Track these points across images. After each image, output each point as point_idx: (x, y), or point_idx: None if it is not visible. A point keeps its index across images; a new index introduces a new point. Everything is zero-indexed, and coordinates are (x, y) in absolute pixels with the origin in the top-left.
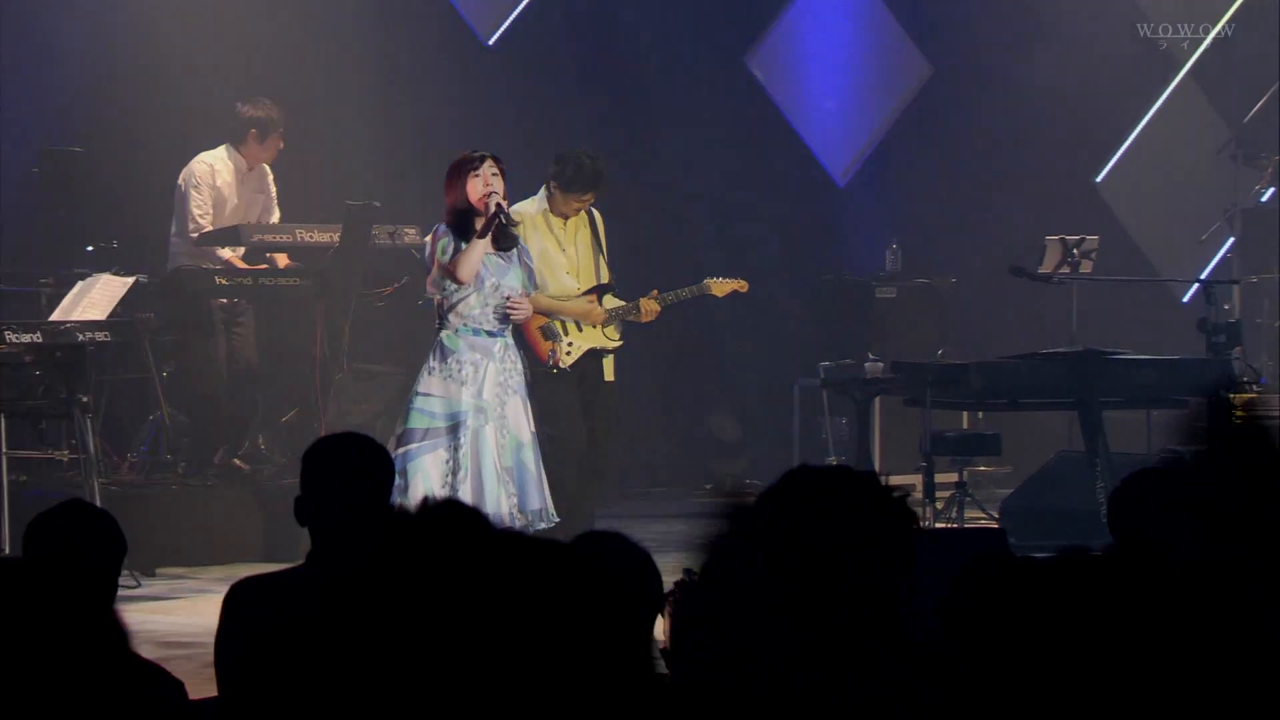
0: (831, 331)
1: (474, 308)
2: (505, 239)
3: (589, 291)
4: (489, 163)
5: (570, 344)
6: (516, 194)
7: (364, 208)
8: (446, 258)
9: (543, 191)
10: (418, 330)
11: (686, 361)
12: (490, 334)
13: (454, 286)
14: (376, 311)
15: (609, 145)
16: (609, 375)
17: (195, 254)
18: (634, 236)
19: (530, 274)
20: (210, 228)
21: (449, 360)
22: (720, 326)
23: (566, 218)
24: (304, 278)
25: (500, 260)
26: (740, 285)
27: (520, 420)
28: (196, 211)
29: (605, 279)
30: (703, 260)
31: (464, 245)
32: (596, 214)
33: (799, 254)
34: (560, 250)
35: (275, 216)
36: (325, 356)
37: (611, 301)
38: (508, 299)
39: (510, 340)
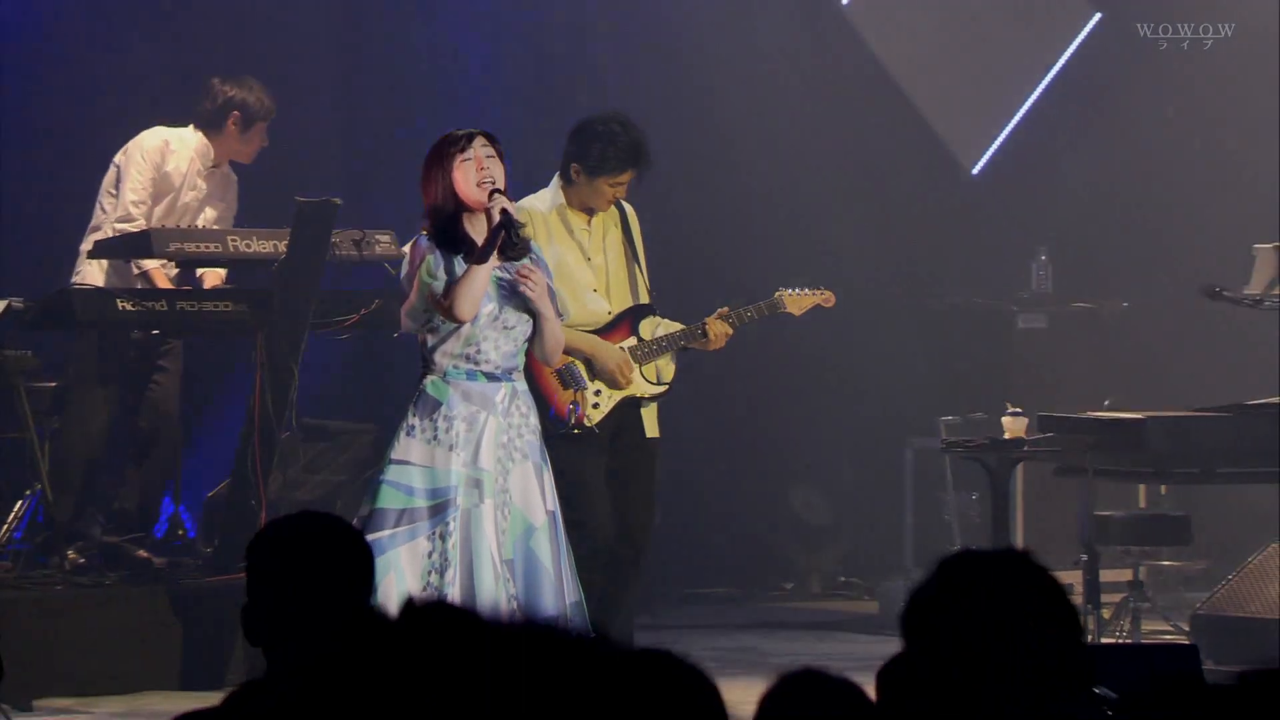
0: (956, 374)
1: (470, 342)
2: (513, 246)
3: (623, 316)
4: (480, 141)
5: (599, 392)
6: (521, 192)
7: (320, 206)
8: (438, 284)
9: (556, 181)
10: (393, 373)
11: (757, 414)
12: (491, 377)
13: (440, 319)
14: (337, 348)
15: (645, 122)
16: (651, 431)
17: (113, 265)
18: (679, 246)
19: (550, 292)
20: (140, 220)
21: (434, 416)
22: (803, 366)
23: (593, 213)
24: (238, 301)
25: (505, 275)
26: (824, 298)
27: (531, 495)
28: (129, 194)
29: (644, 298)
30: (775, 277)
31: (456, 262)
32: (629, 209)
33: (912, 268)
34: (584, 260)
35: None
36: (267, 409)
37: (657, 325)
38: (519, 273)
39: (520, 386)
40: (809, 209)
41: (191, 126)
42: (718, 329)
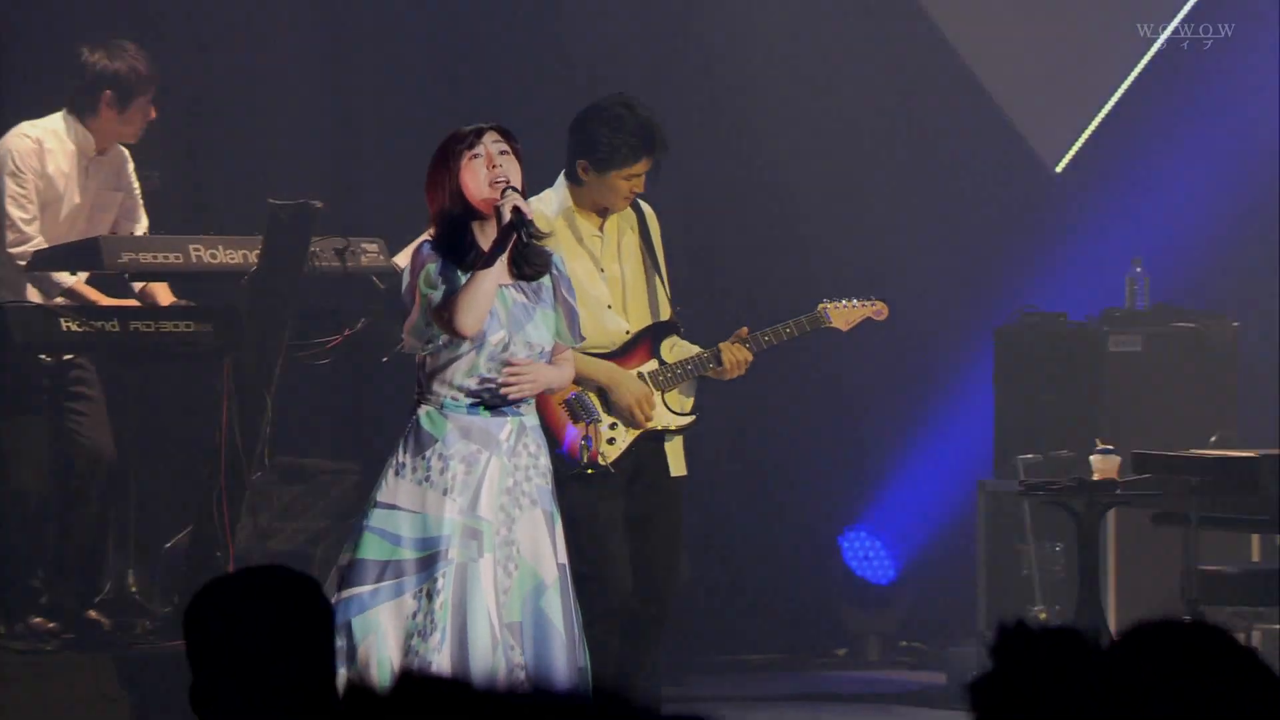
0: (1036, 405)
1: (472, 372)
2: (532, 262)
3: (641, 336)
4: (491, 136)
5: (615, 425)
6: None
7: (297, 210)
8: (436, 295)
9: (562, 181)
10: (382, 404)
11: (800, 449)
12: (495, 411)
13: (446, 339)
14: (317, 375)
15: (671, 113)
16: (676, 469)
17: (14, 279)
18: (709, 255)
19: (572, 318)
20: (38, 238)
21: (428, 453)
22: (854, 392)
23: (606, 215)
24: (201, 321)
25: (519, 296)
26: (875, 310)
27: (542, 547)
28: (17, 214)
29: (665, 314)
30: (822, 290)
31: (461, 275)
32: (647, 209)
33: (982, 281)
34: (597, 272)
35: (142, 226)
36: (235, 446)
37: (677, 348)
38: (504, 374)
39: (529, 420)
40: (863, 212)
41: (63, 112)
42: (733, 355)
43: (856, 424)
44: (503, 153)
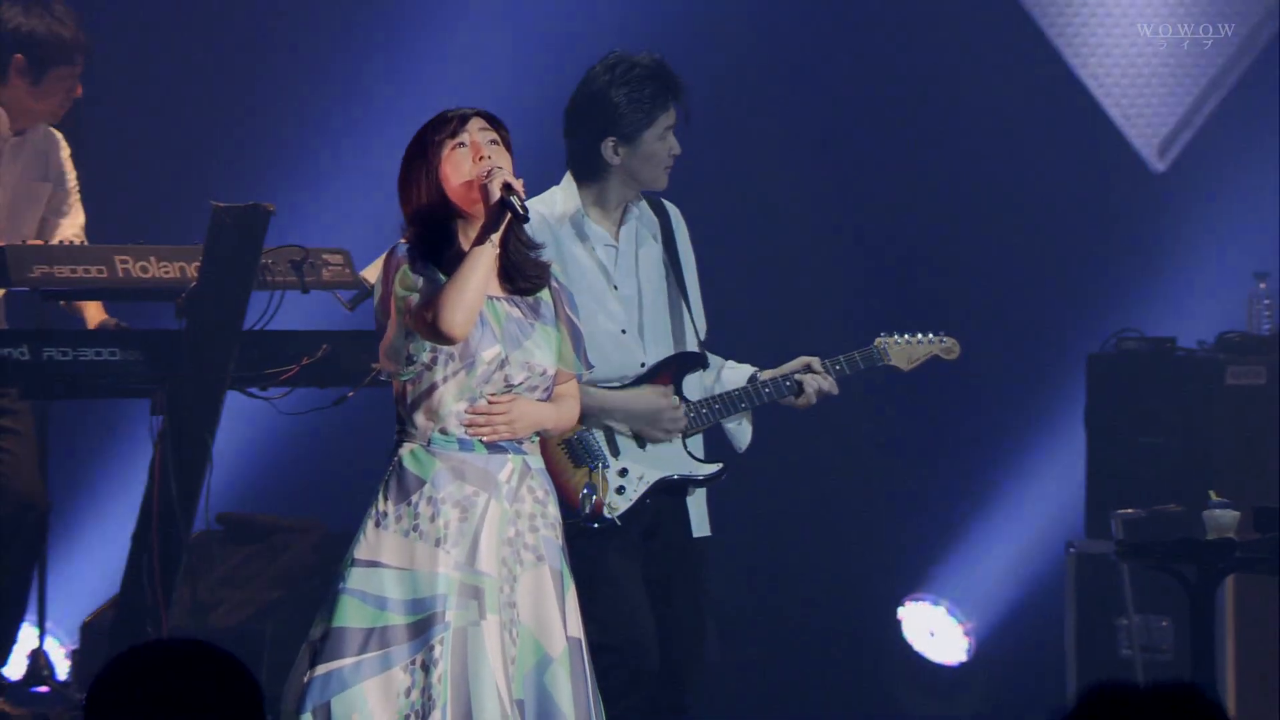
0: (1138, 448)
1: (463, 397)
2: (527, 274)
3: (661, 368)
4: (477, 123)
5: (624, 472)
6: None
7: (246, 215)
8: (417, 296)
9: (569, 181)
10: (349, 446)
11: (848, 500)
12: (493, 447)
13: (428, 356)
14: (269, 411)
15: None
16: (700, 528)
17: None
18: (743, 275)
19: (578, 340)
20: None
21: (414, 499)
22: (915, 437)
23: (624, 217)
24: (130, 348)
25: (514, 311)
26: (943, 348)
27: (547, 612)
28: None
29: (691, 341)
30: (878, 313)
31: (441, 276)
32: (673, 211)
33: (1072, 300)
34: (610, 289)
35: (75, 226)
36: (170, 497)
37: (713, 380)
38: (473, 410)
39: (534, 461)
40: (927, 220)
41: None
42: (816, 381)
43: (919, 473)
44: (492, 142)
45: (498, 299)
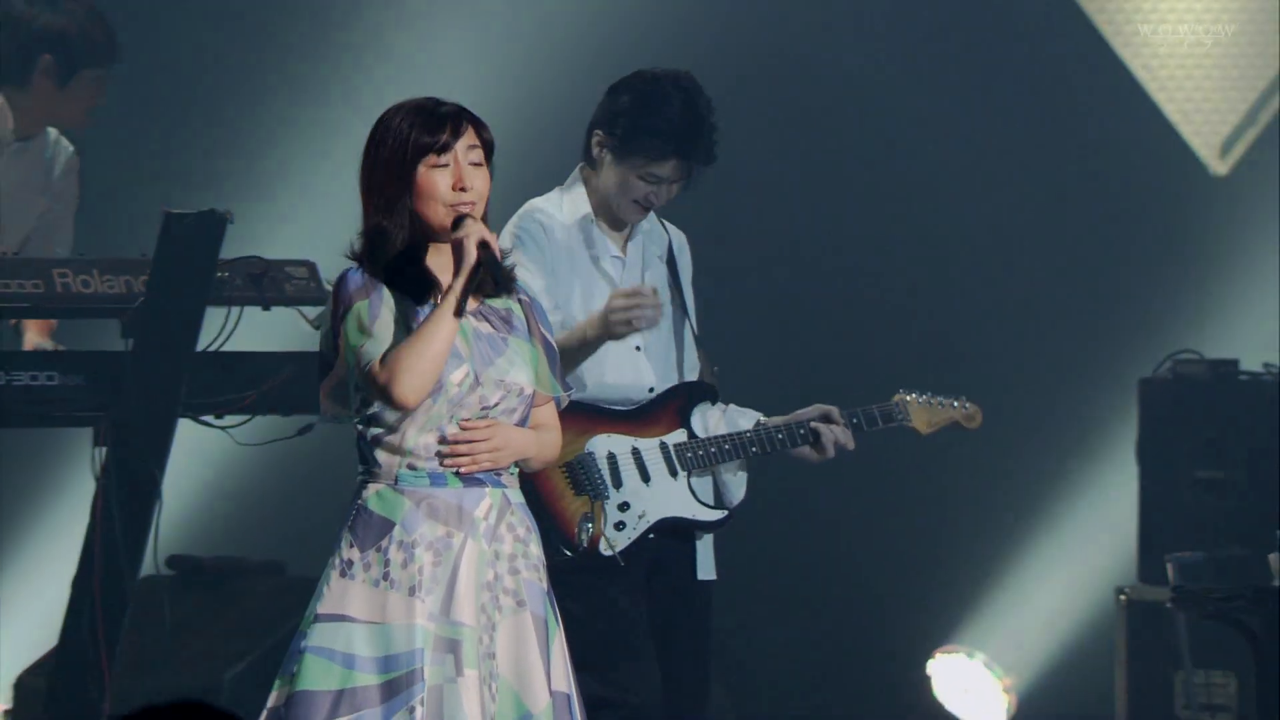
0: (1195, 484)
1: (430, 427)
2: (496, 276)
3: (668, 398)
4: (467, 139)
5: (625, 506)
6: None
7: (200, 222)
8: (370, 345)
9: (577, 179)
10: (313, 482)
11: (872, 542)
12: (468, 480)
13: (379, 403)
14: (224, 441)
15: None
16: (705, 571)
17: None
18: (753, 315)
19: (553, 359)
20: None
21: (383, 543)
22: (948, 472)
23: (631, 231)
24: (70, 370)
25: (482, 325)
26: (966, 415)
27: (528, 663)
28: None
29: (696, 371)
30: (912, 342)
31: (407, 308)
32: (677, 235)
33: (1122, 318)
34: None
35: (64, 249)
36: (113, 538)
37: (720, 416)
38: (453, 439)
39: (514, 495)
40: (968, 231)
41: None
42: (836, 433)
43: (950, 510)
44: (474, 164)
45: (464, 314)
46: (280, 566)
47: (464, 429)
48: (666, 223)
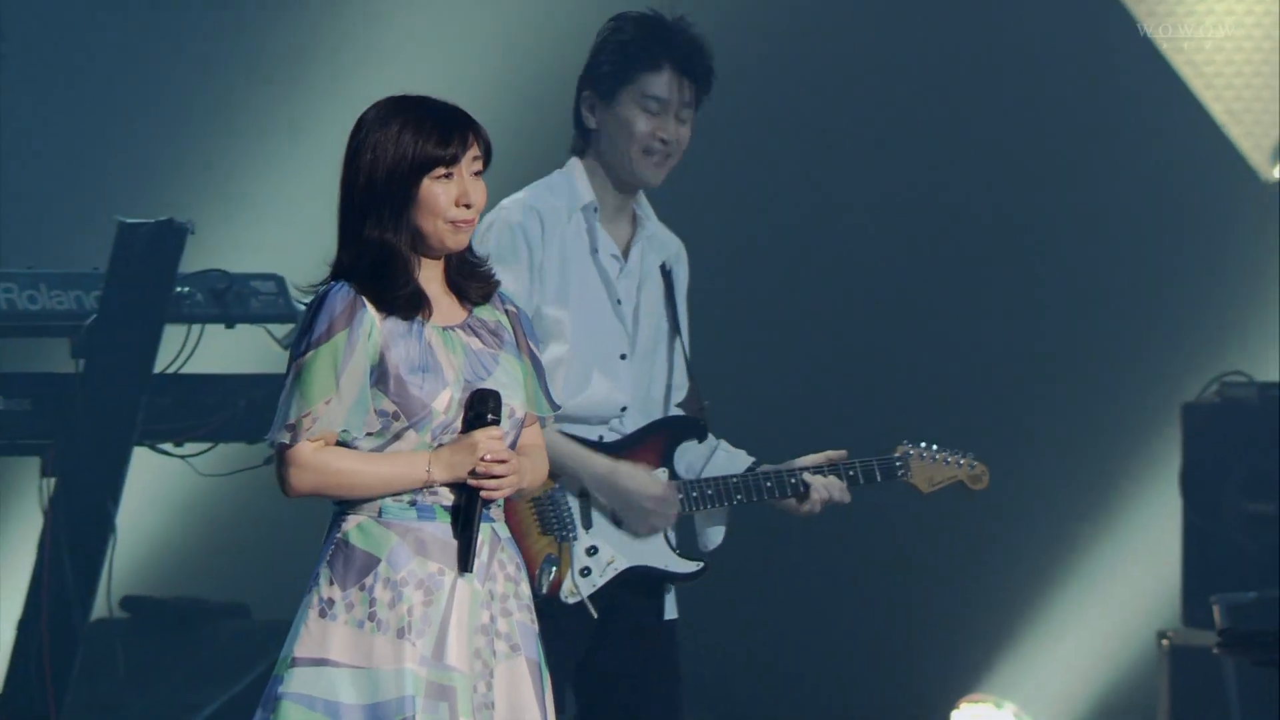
0: (1244, 518)
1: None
2: (478, 278)
3: (650, 432)
4: (473, 151)
5: (594, 551)
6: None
7: (159, 232)
8: (319, 408)
9: (575, 165)
10: (286, 513)
11: (894, 579)
12: (458, 514)
13: (371, 428)
14: (183, 473)
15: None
16: (671, 610)
17: None
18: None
19: (540, 372)
20: None
21: (368, 581)
22: (972, 507)
23: (634, 230)
24: (13, 395)
25: (472, 340)
26: (970, 475)
27: (528, 713)
28: None
29: (684, 391)
30: (930, 366)
31: (392, 328)
32: (677, 246)
33: (1164, 336)
34: (611, 304)
35: None
36: (63, 578)
37: (709, 455)
38: (480, 472)
39: (502, 530)
40: (994, 242)
41: None
42: (829, 486)
43: (977, 546)
44: (475, 174)
45: (452, 328)
46: (245, 609)
47: (493, 459)
48: (666, 229)
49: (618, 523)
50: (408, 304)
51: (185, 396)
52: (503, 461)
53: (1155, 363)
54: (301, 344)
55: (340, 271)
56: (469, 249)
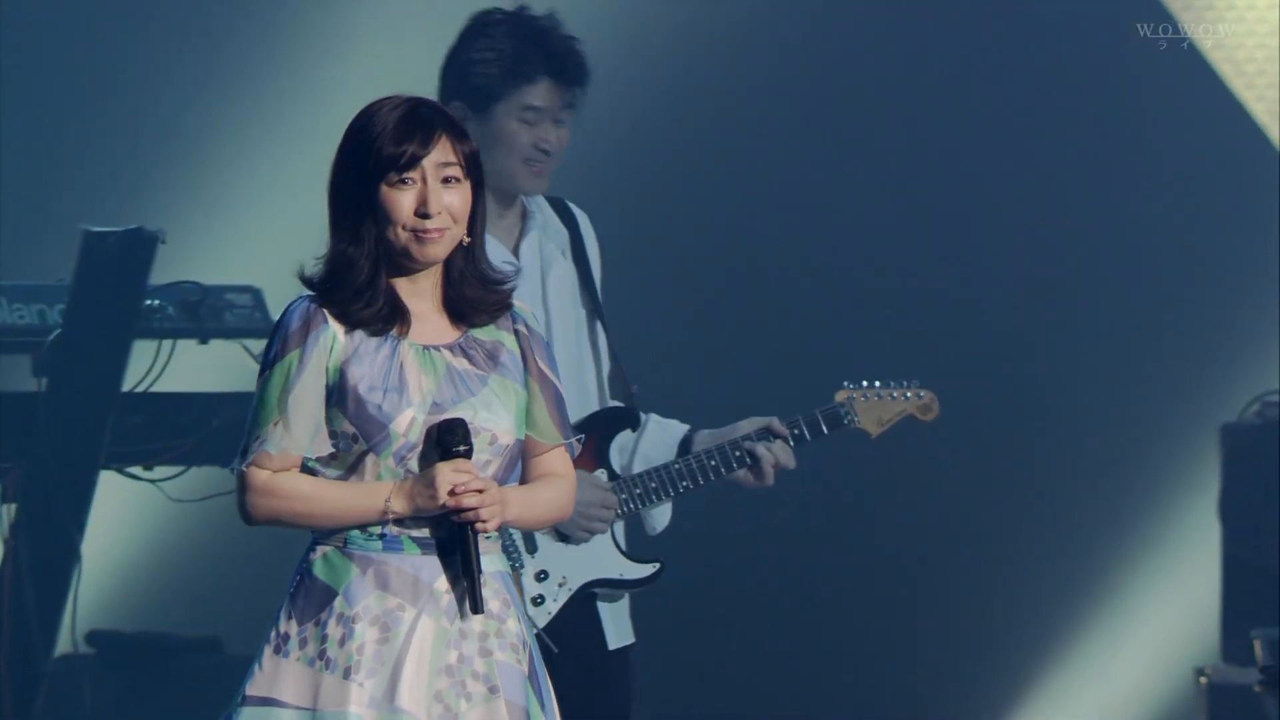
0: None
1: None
2: (493, 292)
3: (583, 428)
4: (439, 151)
5: (543, 576)
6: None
7: (127, 241)
8: (267, 430)
9: None
10: (261, 542)
11: (910, 609)
12: (427, 546)
13: (332, 450)
14: (152, 498)
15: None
16: (618, 638)
17: None
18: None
19: (558, 404)
20: None
21: (323, 616)
22: (997, 529)
23: (524, 228)
24: None
25: (458, 360)
26: (918, 405)
27: None
28: None
29: (609, 390)
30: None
31: (360, 345)
32: (581, 217)
33: (1201, 354)
34: None
35: None
36: (25, 612)
37: (643, 444)
38: (453, 497)
39: (488, 565)
40: (1014, 252)
41: None
42: (775, 453)
43: (1007, 581)
44: (446, 181)
45: (436, 348)
46: (218, 643)
47: (464, 490)
48: (571, 206)
49: (563, 538)
50: (375, 319)
51: (155, 417)
52: (478, 491)
53: (1192, 381)
54: (261, 365)
55: (309, 282)
56: (485, 265)
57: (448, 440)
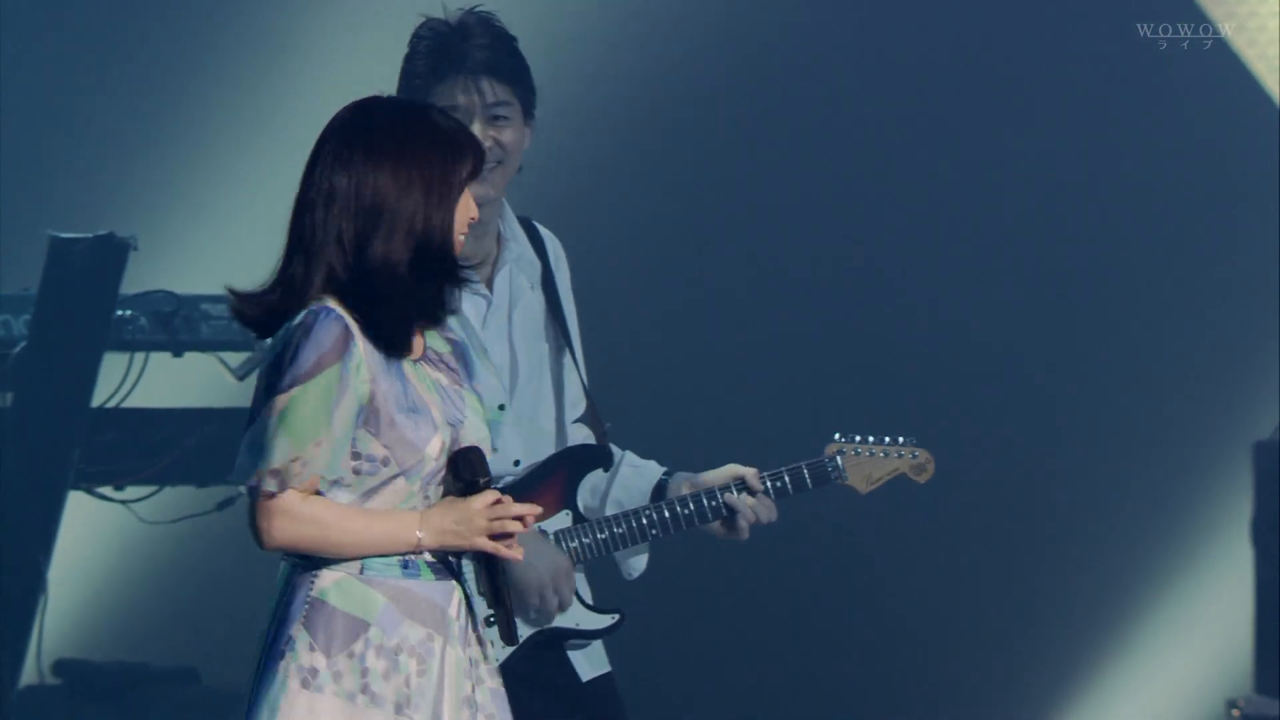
0: None
1: (404, 508)
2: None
3: (548, 469)
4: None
5: (490, 620)
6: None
7: (97, 248)
8: (310, 450)
9: None
10: (239, 565)
11: (931, 638)
12: (439, 570)
13: (355, 471)
14: (125, 519)
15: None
16: (591, 668)
17: None
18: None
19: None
20: None
21: (356, 647)
22: (1020, 554)
23: (501, 246)
24: None
25: (436, 373)
26: (913, 464)
27: None
28: None
29: (581, 407)
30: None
31: (377, 363)
32: (551, 241)
33: (1231, 369)
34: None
35: None
36: None
37: (612, 484)
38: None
39: (470, 587)
40: (1032, 261)
41: None
42: (754, 507)
43: (1029, 605)
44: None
45: (418, 361)
46: (195, 674)
47: (501, 507)
48: (540, 229)
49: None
50: (403, 334)
51: (127, 434)
52: (519, 518)
53: (1223, 398)
54: (284, 377)
55: (341, 290)
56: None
57: (469, 476)
